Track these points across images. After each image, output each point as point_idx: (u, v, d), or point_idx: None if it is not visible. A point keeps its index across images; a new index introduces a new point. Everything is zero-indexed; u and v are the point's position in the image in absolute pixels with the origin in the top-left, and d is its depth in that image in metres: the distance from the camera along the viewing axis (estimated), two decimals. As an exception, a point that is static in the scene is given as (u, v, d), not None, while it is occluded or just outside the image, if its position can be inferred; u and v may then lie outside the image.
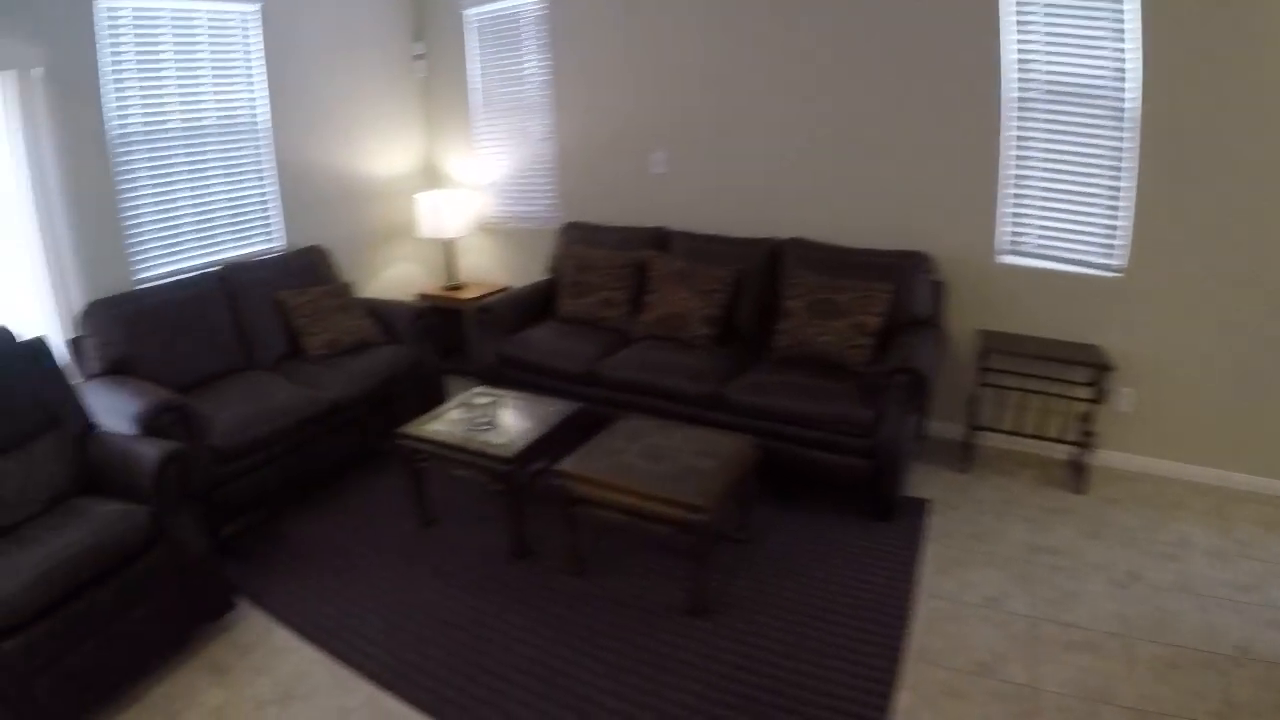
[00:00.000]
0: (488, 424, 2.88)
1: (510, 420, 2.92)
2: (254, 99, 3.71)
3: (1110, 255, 3.15)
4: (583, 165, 4.23)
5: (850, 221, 3.55)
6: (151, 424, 2.54)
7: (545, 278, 4.11)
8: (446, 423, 2.90)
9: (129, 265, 3.29)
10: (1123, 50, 2.93)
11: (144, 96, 3.27)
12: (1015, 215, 3.31)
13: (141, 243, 3.32)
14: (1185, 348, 3.10)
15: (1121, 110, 2.98)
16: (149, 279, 3.32)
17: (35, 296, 3.02)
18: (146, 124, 3.29)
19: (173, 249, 3.46)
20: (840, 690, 2.12)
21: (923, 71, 3.31)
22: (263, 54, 3.69)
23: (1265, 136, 2.78)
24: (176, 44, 3.37)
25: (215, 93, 3.54)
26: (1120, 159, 3.01)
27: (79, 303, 3.03)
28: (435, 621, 2.46)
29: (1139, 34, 2.87)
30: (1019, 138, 3.19)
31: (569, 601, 2.53)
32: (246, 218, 3.75)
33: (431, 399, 3.44)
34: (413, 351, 3.59)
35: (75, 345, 2.98)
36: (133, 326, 3.00)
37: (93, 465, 2.41)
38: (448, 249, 4.54)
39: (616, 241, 3.88)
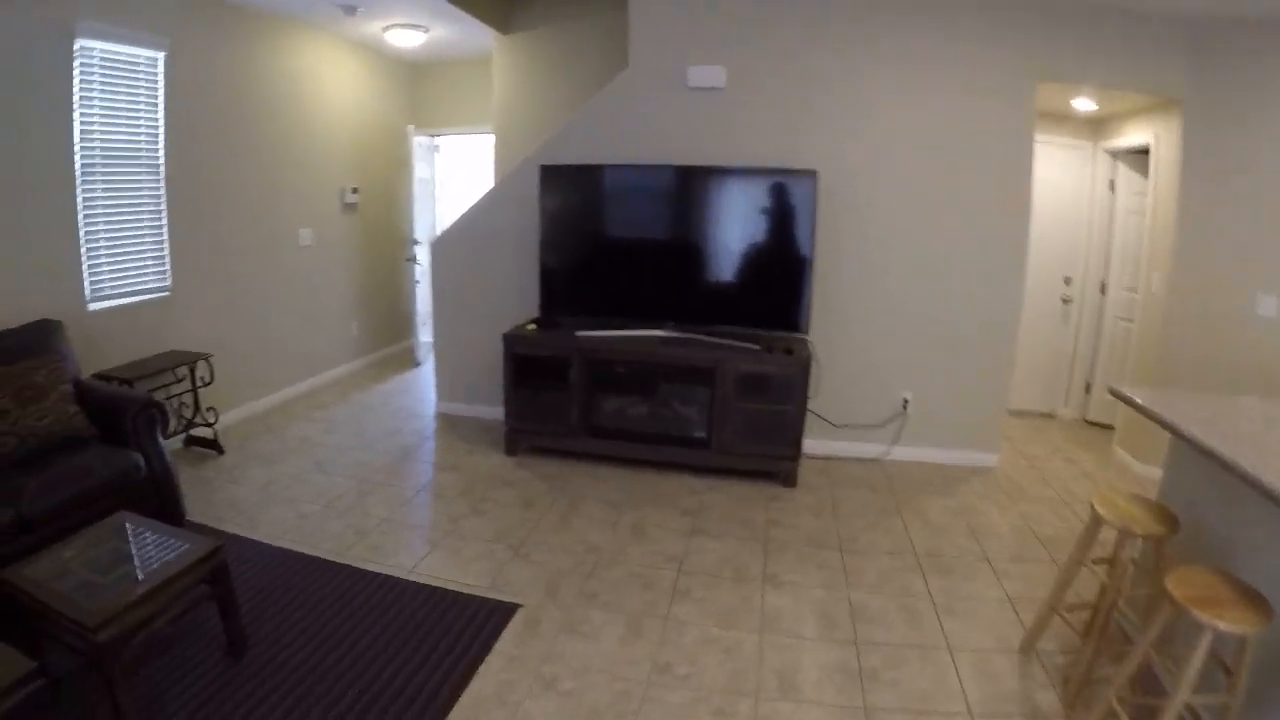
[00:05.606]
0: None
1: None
2: None
3: (163, 279, 4.30)
4: None
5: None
6: None
7: None
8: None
9: None
10: (157, 118, 4.05)
11: None
12: (92, 265, 3.85)
13: None
14: (233, 338, 4.72)
15: (158, 167, 4.11)
16: None
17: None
18: None
19: None
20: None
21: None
22: None
23: (242, 174, 4.58)
24: None
25: None
26: (160, 205, 4.17)
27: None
28: None
29: (163, 105, 4.06)
30: (85, 199, 3.75)
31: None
32: None
33: None
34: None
35: None
36: None
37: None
38: None
39: None
